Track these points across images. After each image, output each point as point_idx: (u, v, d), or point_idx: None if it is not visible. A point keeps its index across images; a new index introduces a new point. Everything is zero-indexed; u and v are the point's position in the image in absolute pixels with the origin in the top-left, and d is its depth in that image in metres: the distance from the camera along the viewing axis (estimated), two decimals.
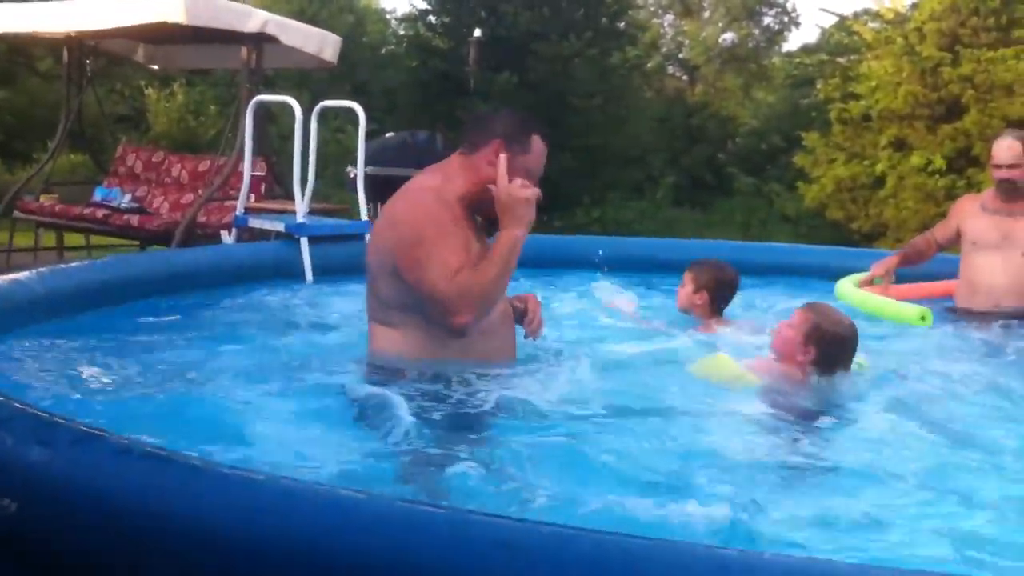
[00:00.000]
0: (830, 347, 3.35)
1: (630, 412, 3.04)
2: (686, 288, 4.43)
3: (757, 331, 4.16)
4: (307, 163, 5.97)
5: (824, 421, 3.10)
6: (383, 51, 19.75)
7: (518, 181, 3.02)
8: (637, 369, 3.57)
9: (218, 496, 1.88)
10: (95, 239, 8.90)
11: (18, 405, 2.16)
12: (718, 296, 4.40)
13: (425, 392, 2.94)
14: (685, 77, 21.85)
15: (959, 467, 2.81)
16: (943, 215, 10.19)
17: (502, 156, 3.02)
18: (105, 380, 3.26)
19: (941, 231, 5.65)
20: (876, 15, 13.92)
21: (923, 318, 4.68)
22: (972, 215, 5.40)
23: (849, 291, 5.37)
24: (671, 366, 3.57)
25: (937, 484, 2.65)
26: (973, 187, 10.12)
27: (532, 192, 3.03)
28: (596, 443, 2.72)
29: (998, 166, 5.25)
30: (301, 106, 5.80)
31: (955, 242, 5.53)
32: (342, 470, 2.53)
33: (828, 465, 2.76)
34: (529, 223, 3.04)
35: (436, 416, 2.81)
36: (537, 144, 3.11)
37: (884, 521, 2.36)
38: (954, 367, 3.96)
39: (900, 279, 5.48)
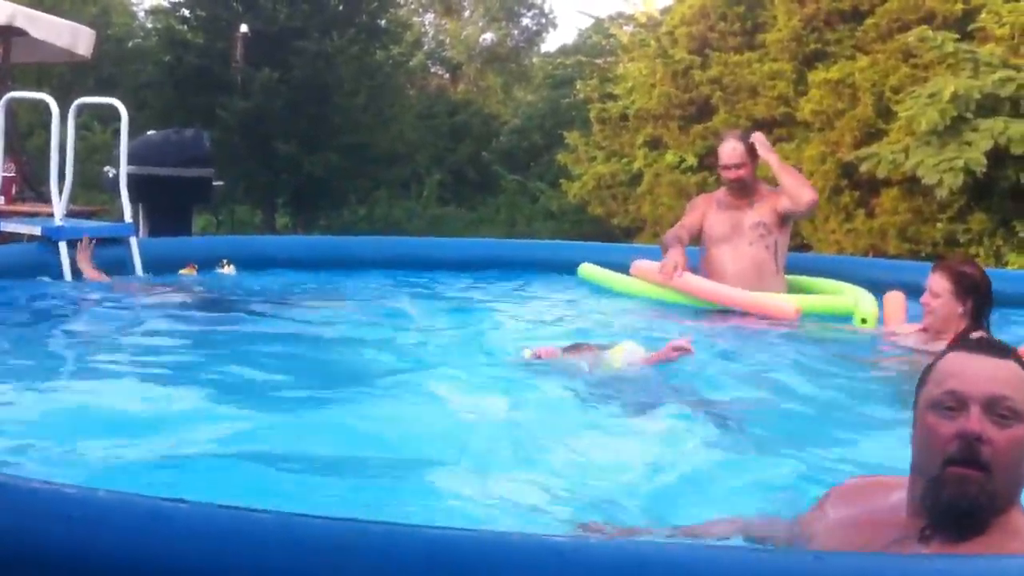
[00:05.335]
0: None
1: None
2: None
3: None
4: (64, 163, 5.65)
5: None
6: (130, 44, 18.81)
7: None
8: None
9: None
10: None
11: None
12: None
13: None
14: (447, 75, 21.99)
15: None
16: None
17: None
18: None
19: (689, 224, 6.09)
20: (631, 18, 14.50)
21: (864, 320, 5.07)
22: (710, 211, 5.85)
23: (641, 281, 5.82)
24: None
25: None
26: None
27: None
28: None
29: (726, 167, 5.68)
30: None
31: (698, 234, 6.03)
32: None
33: None
34: None
35: None
36: None
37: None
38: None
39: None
